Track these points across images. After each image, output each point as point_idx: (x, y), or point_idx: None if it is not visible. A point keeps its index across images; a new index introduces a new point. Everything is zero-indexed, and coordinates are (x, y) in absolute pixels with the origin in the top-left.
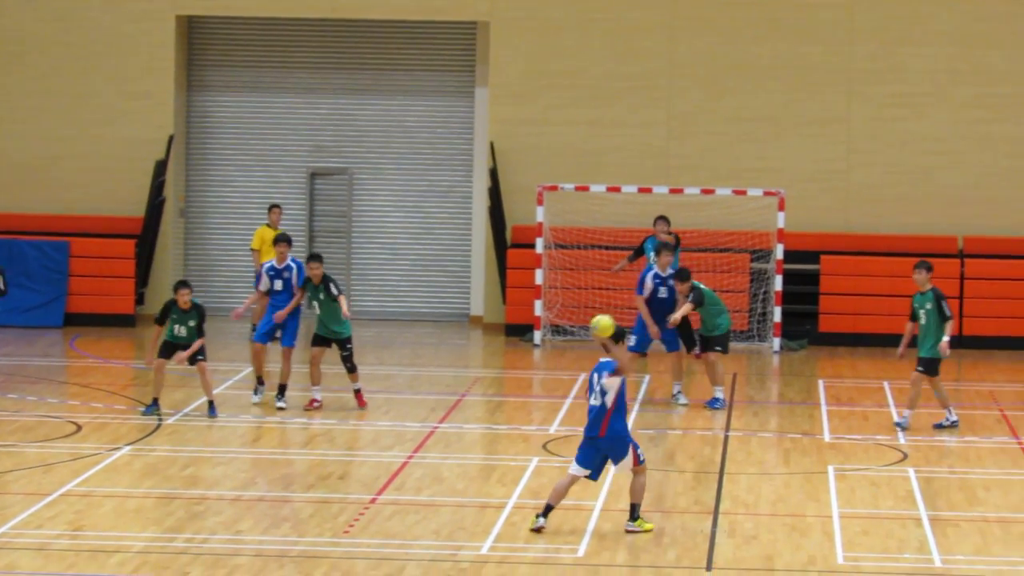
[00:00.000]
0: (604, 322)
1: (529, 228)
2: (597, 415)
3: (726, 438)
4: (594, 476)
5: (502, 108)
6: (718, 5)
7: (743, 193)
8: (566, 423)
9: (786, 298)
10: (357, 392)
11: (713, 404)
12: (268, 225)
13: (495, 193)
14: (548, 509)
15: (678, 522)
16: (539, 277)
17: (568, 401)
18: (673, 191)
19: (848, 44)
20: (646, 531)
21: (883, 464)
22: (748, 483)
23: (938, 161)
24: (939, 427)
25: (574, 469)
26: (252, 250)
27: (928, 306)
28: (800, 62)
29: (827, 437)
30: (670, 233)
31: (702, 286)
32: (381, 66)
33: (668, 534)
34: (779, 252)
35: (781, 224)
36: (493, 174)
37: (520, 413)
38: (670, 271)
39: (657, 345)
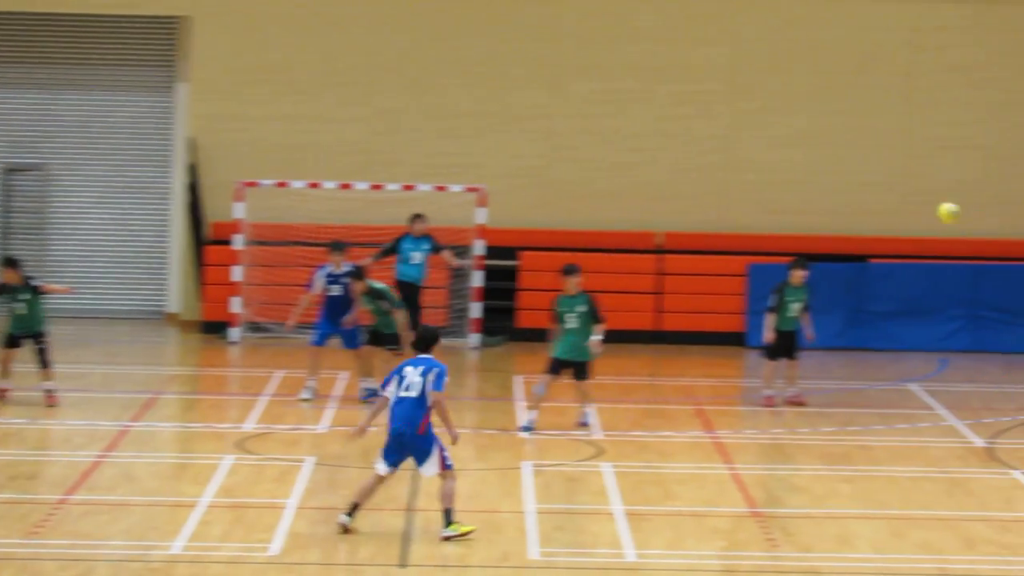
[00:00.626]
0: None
1: (229, 224)
2: (410, 410)
3: None
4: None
5: (203, 104)
6: (423, 0)
7: (444, 189)
8: (262, 420)
9: (486, 294)
10: (49, 392)
11: (368, 396)
12: None
13: (193, 189)
14: (354, 507)
15: (372, 519)
16: (237, 274)
17: (264, 398)
18: (374, 187)
19: (551, 41)
20: (464, 533)
21: (579, 459)
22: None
23: (638, 157)
24: (585, 424)
25: (382, 469)
26: None
27: (581, 309)
28: (503, 58)
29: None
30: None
31: (378, 284)
32: (79, 61)
33: (362, 531)
34: (479, 248)
35: (482, 220)
36: (192, 170)
37: (214, 411)
38: (346, 268)
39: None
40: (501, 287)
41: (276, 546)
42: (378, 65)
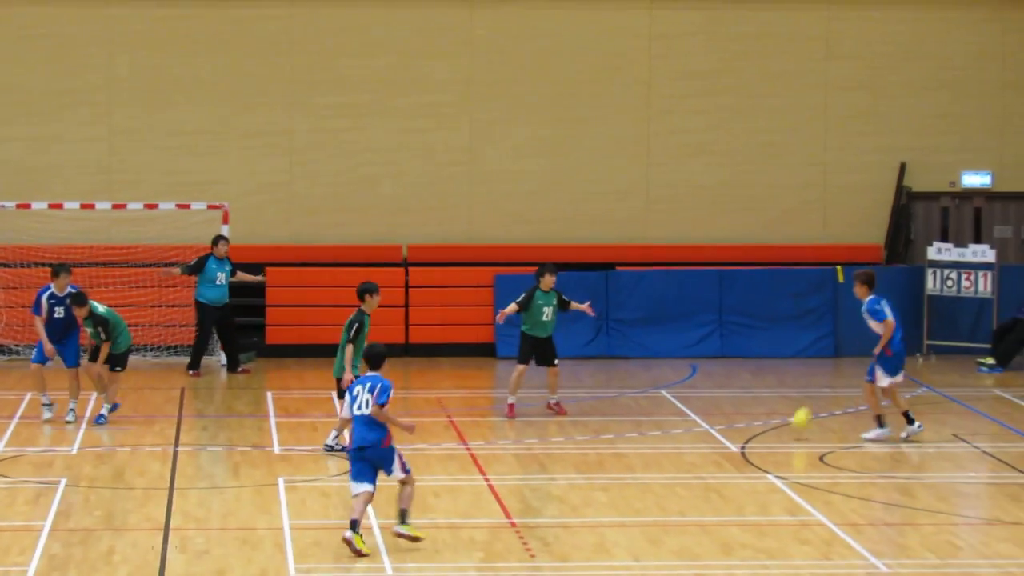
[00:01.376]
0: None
1: None
2: (366, 427)
3: (175, 453)
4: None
5: None
6: (155, 19)
7: (187, 207)
8: (13, 443)
9: (233, 310)
10: None
11: (98, 420)
12: None
13: None
14: (354, 524)
15: (129, 539)
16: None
17: (14, 420)
18: (116, 207)
19: (288, 56)
20: (415, 538)
21: (334, 474)
22: (199, 498)
23: (381, 171)
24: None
25: (358, 489)
26: None
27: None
28: (241, 74)
29: (277, 449)
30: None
31: (101, 308)
32: None
33: (119, 551)
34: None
35: (225, 236)
36: None
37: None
38: (69, 291)
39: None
40: (249, 303)
41: (32, 569)
42: (114, 84)
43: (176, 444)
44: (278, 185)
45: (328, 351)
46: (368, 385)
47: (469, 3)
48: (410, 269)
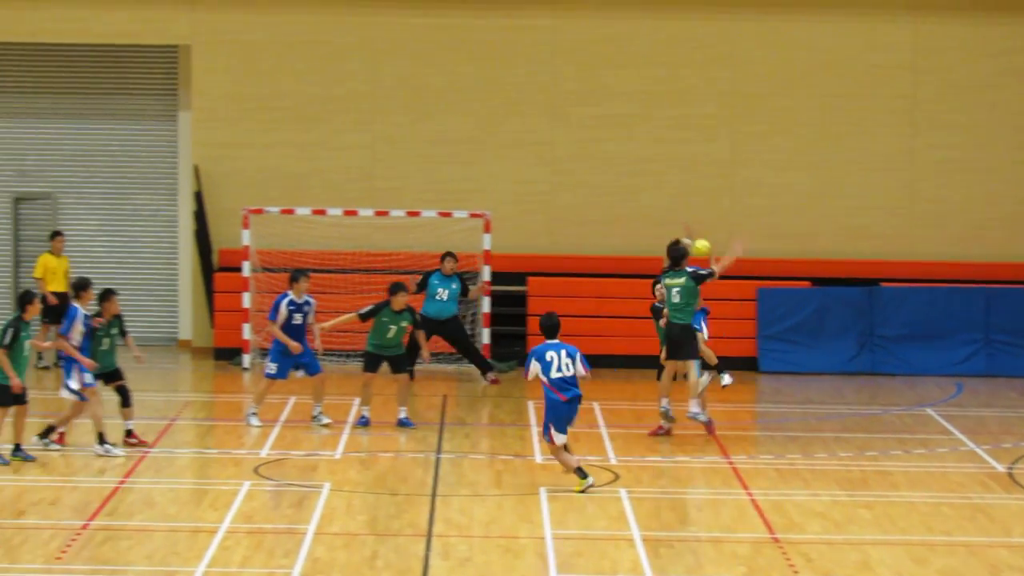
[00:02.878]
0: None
1: (236, 251)
2: (573, 384)
3: (438, 460)
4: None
5: (206, 131)
6: (419, 28)
7: (448, 215)
8: (277, 446)
9: (494, 320)
10: (129, 431)
11: (361, 422)
12: (51, 252)
13: (200, 216)
14: (581, 470)
15: (392, 544)
16: (247, 300)
17: (278, 425)
18: (379, 213)
19: (550, 65)
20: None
21: (596, 485)
22: (460, 505)
23: (641, 182)
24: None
25: (560, 439)
26: (36, 279)
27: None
28: (503, 84)
29: (538, 458)
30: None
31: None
32: (84, 90)
33: (382, 556)
34: (486, 274)
35: (487, 246)
36: (198, 197)
37: (231, 437)
38: (306, 298)
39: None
40: (510, 313)
41: (297, 572)
42: (378, 91)
43: (438, 451)
44: (539, 195)
45: (592, 361)
46: (564, 352)
47: (732, 15)
48: None
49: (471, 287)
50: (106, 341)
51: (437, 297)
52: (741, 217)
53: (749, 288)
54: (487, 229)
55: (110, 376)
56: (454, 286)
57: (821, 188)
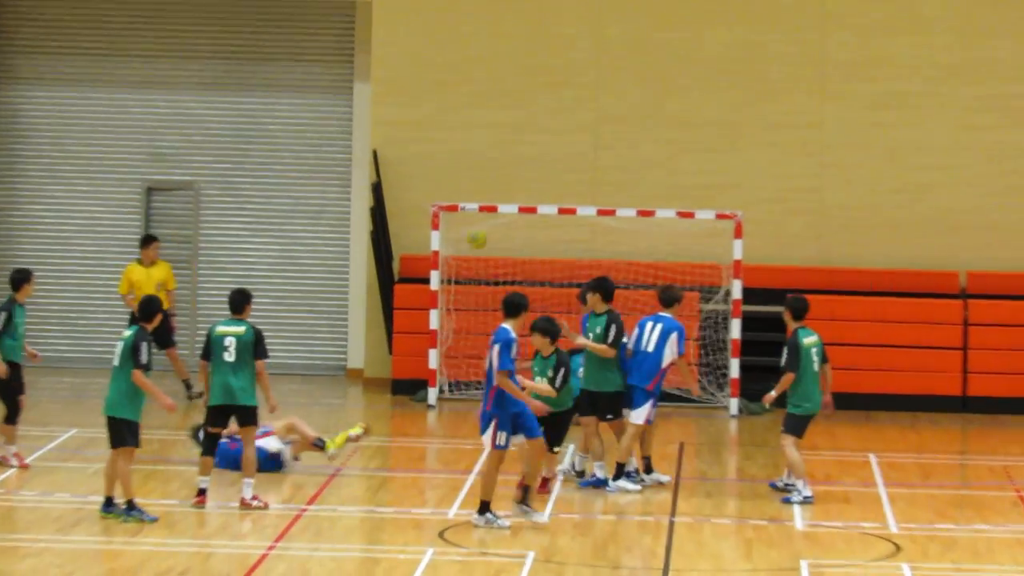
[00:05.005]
0: None
1: (422, 258)
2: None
3: (671, 525)
4: None
5: (387, 108)
6: None
7: (690, 216)
8: (468, 505)
9: (745, 348)
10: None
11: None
12: (139, 262)
13: (379, 214)
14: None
15: None
16: (434, 320)
17: (471, 477)
18: (602, 212)
19: (819, 31)
20: None
21: (870, 559)
22: None
23: (934, 178)
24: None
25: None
26: (121, 295)
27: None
28: (760, 52)
29: (799, 524)
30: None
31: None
32: (235, 55)
33: None
34: (736, 290)
35: (738, 255)
36: (376, 190)
37: (411, 492)
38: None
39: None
40: (764, 340)
41: None
42: (604, 60)
43: (673, 514)
44: (804, 192)
45: (873, 402)
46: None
47: None
48: (969, 303)
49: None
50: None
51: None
52: None
53: None
54: (738, 234)
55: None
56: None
57: None
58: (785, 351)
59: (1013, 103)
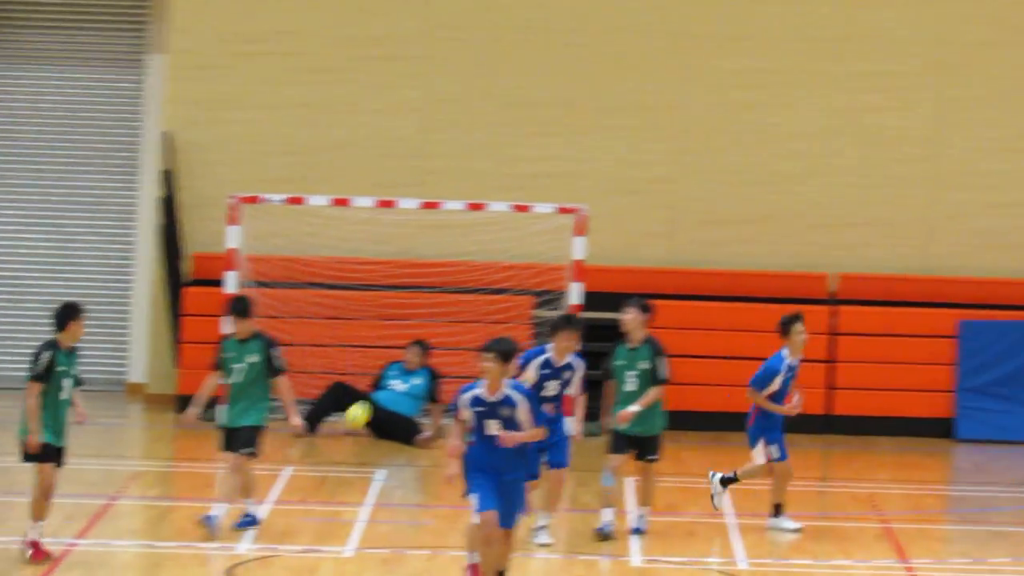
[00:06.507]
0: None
1: (217, 257)
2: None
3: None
4: None
5: (184, 84)
6: None
7: (526, 209)
8: (263, 539)
9: (587, 361)
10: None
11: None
12: None
13: (169, 206)
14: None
15: None
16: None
17: (267, 506)
18: (427, 206)
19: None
20: None
21: None
22: None
23: (803, 167)
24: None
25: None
26: None
27: (643, 364)
28: (612, 24)
29: (636, 560)
30: None
31: None
32: (2, 22)
33: None
34: (576, 294)
35: (579, 254)
36: (167, 178)
37: (195, 525)
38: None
39: None
40: (606, 351)
41: None
42: (435, 32)
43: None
44: (657, 183)
45: (722, 421)
46: None
47: None
48: (840, 309)
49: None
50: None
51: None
52: (943, 218)
53: (946, 320)
54: (580, 230)
55: None
56: (417, 381)
57: None
58: (658, 361)
59: (897, 81)
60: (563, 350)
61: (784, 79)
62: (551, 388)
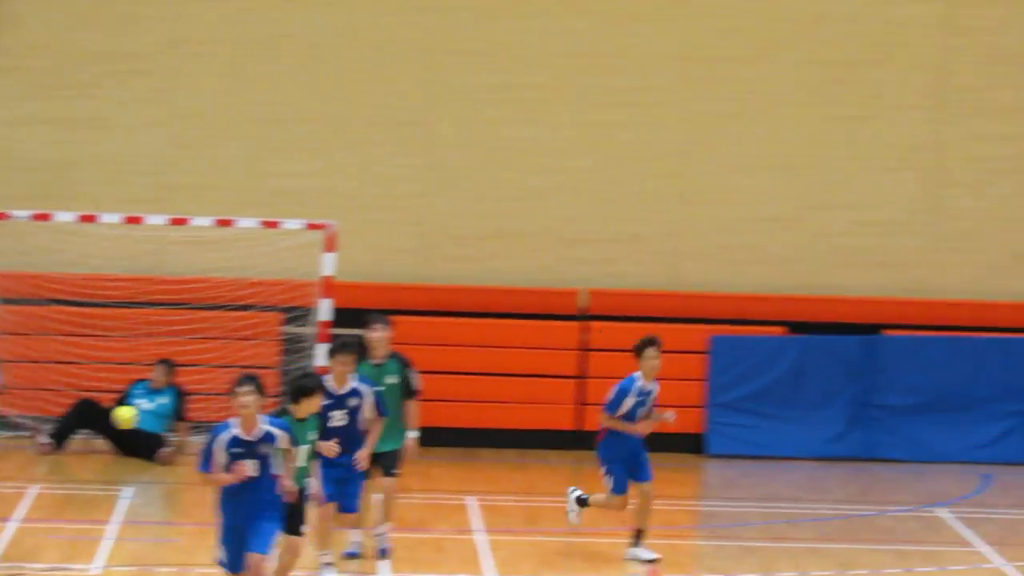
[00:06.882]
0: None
1: None
2: None
3: None
4: None
5: None
6: None
7: (275, 226)
8: (9, 558)
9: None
10: None
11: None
12: None
13: None
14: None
15: None
16: None
17: (12, 524)
18: (175, 222)
19: (424, 13)
20: None
21: None
22: None
23: (555, 183)
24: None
25: None
26: None
27: (391, 379)
28: (361, 38)
29: None
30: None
31: None
32: None
33: None
34: (325, 311)
35: (329, 270)
36: None
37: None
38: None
39: None
40: None
41: None
42: (180, 47)
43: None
44: (408, 198)
45: (474, 438)
46: None
47: None
48: (591, 324)
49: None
50: None
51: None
52: (691, 235)
53: (697, 335)
54: (330, 247)
55: None
56: (163, 400)
57: (806, 193)
58: (408, 374)
59: (649, 97)
60: (340, 375)
61: (534, 95)
62: (337, 418)
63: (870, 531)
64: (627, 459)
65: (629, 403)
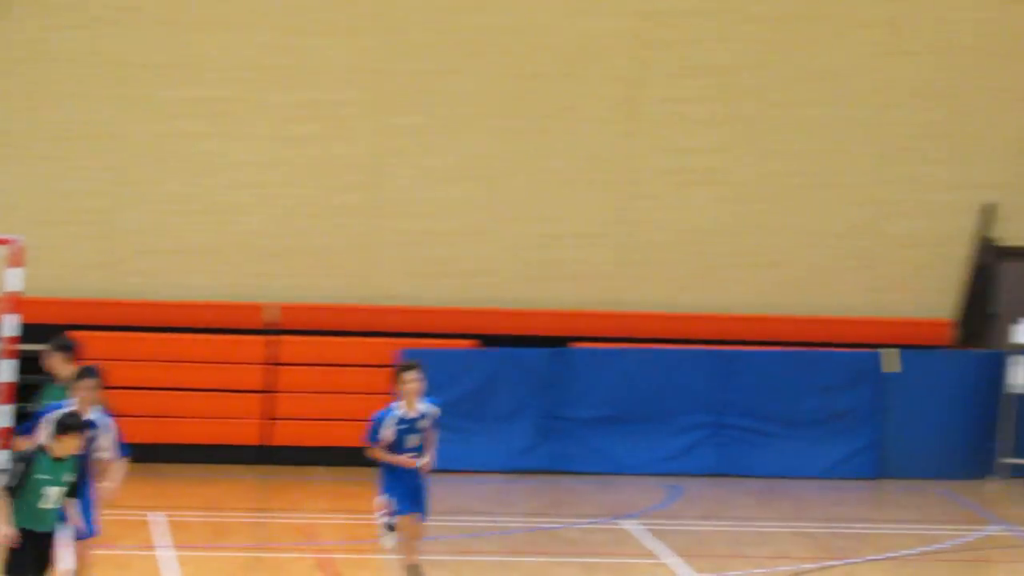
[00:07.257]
0: None
1: None
2: None
3: None
4: None
5: None
6: None
7: None
8: None
9: (23, 394)
10: None
11: None
12: None
13: None
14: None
15: None
16: None
17: None
18: None
19: (114, 27)
20: None
21: None
22: None
23: (244, 197)
24: None
25: None
26: None
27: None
28: (40, 44)
29: None
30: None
31: None
32: None
33: None
34: (10, 326)
35: (16, 286)
36: None
37: None
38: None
39: None
40: (31, 381)
41: None
42: None
43: None
44: (92, 212)
45: (159, 453)
46: None
47: None
48: (280, 339)
49: None
50: None
51: None
52: (381, 248)
53: (386, 348)
54: (16, 262)
55: None
56: None
57: (496, 207)
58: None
59: (340, 111)
60: (84, 403)
61: (226, 108)
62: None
63: (557, 544)
64: (403, 490)
65: (390, 432)
